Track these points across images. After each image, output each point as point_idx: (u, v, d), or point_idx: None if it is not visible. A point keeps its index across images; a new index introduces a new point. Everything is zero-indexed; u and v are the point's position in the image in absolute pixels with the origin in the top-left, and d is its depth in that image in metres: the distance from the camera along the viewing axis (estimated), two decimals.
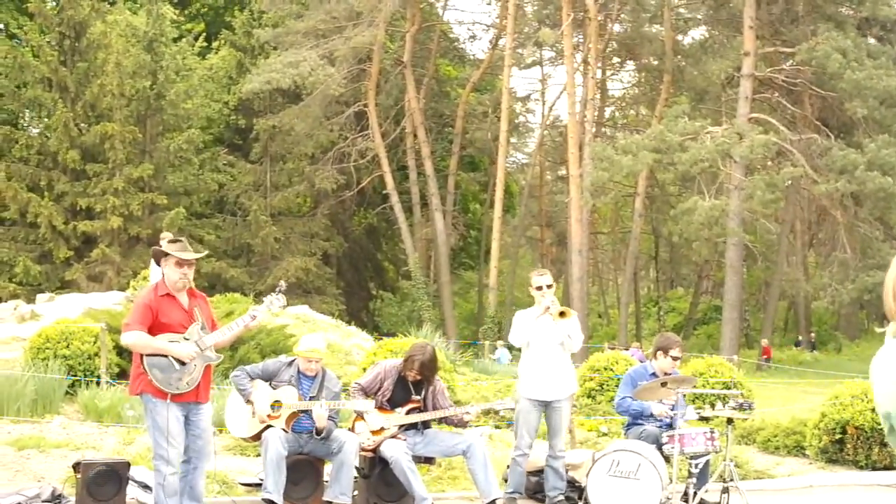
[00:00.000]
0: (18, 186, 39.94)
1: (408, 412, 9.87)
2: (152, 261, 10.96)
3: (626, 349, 30.98)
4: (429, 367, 9.84)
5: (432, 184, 50.09)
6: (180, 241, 8.81)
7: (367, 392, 9.89)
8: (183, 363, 8.35)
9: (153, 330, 8.43)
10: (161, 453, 8.37)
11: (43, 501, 8.55)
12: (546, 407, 10.44)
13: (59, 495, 8.73)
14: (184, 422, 8.57)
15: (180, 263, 8.55)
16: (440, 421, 10.28)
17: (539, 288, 10.43)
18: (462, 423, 10.18)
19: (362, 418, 9.83)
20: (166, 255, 8.62)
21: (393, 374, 9.93)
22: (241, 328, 8.72)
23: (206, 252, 9.89)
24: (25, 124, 47.21)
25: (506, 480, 10.62)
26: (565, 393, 10.52)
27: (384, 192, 50.87)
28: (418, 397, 9.91)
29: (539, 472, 10.72)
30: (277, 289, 8.98)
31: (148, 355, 8.38)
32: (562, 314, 10.15)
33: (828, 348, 51.85)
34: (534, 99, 63.23)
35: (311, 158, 48.64)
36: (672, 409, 10.11)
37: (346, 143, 49.24)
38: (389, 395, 9.85)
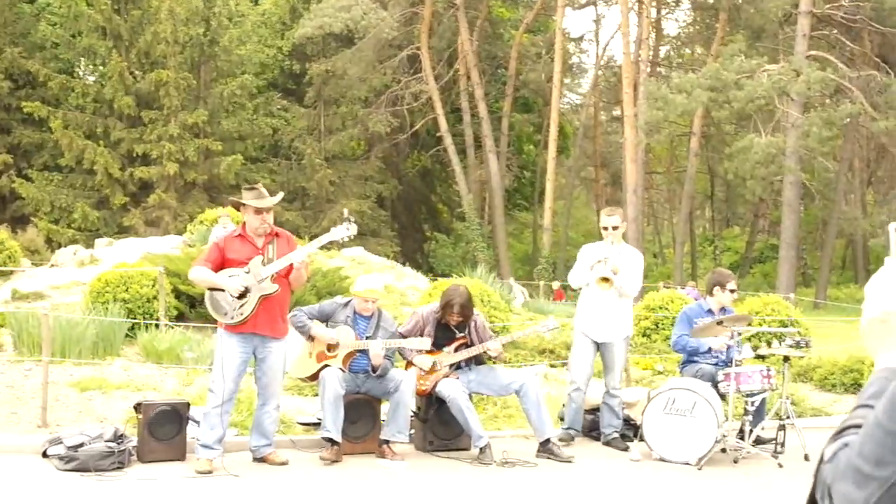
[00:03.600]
0: (75, 134, 40.29)
1: (456, 349, 9.93)
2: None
3: (682, 287, 30.83)
4: (467, 308, 9.88)
5: (486, 125, 49.90)
6: (256, 188, 8.97)
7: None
8: (241, 294, 8.61)
9: (223, 266, 8.73)
10: (210, 385, 8.73)
11: (105, 441, 8.67)
12: (600, 346, 10.50)
13: (122, 435, 8.86)
14: (247, 359, 8.83)
15: (258, 211, 8.74)
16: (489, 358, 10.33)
17: (605, 228, 10.51)
18: (499, 357, 10.17)
19: (412, 364, 9.91)
20: (244, 204, 8.82)
21: (432, 320, 9.96)
22: (295, 259, 8.81)
23: (282, 194, 10.03)
24: (81, 73, 47.50)
25: (562, 419, 10.69)
26: (620, 335, 10.54)
27: (438, 134, 50.80)
28: (462, 335, 9.96)
29: (595, 411, 10.78)
30: (346, 219, 9.04)
31: (208, 289, 8.71)
32: (604, 280, 10.17)
33: None
34: (588, 39, 62.70)
35: (365, 102, 48.61)
36: (728, 347, 10.07)
37: (399, 87, 49.13)
38: (433, 340, 9.90)
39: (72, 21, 42.31)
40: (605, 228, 10.52)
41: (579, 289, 10.89)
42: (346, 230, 8.99)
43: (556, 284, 39.68)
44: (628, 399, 11.10)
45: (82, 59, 46.39)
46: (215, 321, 8.97)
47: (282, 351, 9.04)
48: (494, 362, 10.32)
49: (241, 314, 8.64)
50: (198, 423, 9.11)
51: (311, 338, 9.59)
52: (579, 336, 10.55)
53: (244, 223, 8.99)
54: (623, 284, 10.33)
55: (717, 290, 10.66)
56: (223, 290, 8.69)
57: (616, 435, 10.47)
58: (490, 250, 48.97)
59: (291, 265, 8.82)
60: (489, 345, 10.00)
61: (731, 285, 10.68)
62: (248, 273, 8.70)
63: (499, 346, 10.00)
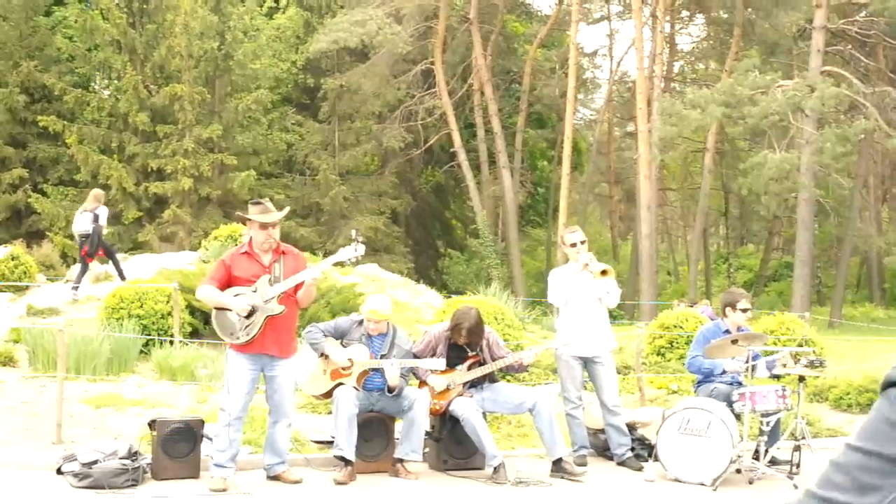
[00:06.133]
0: (90, 149, 40.36)
1: (469, 368, 9.91)
2: None
3: (692, 305, 30.72)
4: (476, 332, 9.85)
5: (500, 141, 49.82)
6: (261, 203, 8.97)
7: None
8: (247, 314, 8.63)
9: (229, 284, 8.74)
10: (223, 404, 8.74)
11: (120, 458, 8.69)
12: (587, 363, 10.44)
13: (136, 452, 8.88)
14: (255, 377, 8.85)
15: (263, 226, 8.75)
16: (503, 374, 10.31)
17: (573, 245, 10.47)
18: (522, 369, 10.19)
19: (426, 384, 9.89)
20: (250, 220, 8.83)
21: (444, 339, 9.95)
22: (304, 279, 8.80)
23: (287, 209, 10.14)
24: (97, 87, 47.61)
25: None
26: (606, 348, 10.51)
27: (451, 149, 50.69)
28: (475, 353, 9.94)
29: (603, 431, 10.72)
30: (354, 239, 9.07)
31: (215, 308, 8.74)
32: (603, 272, 10.17)
33: None
34: (601, 54, 62.70)
35: (379, 117, 48.60)
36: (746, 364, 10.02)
37: (413, 102, 49.12)
38: (446, 360, 9.89)
39: (87, 35, 42.37)
40: (573, 245, 10.46)
41: (558, 309, 10.90)
42: (353, 251, 9.03)
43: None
44: (642, 418, 11.07)
45: (97, 73, 46.49)
46: None
47: (289, 368, 9.05)
48: (512, 378, 10.30)
49: (248, 334, 8.68)
50: (212, 440, 9.13)
51: (324, 355, 9.59)
52: (563, 357, 10.48)
53: (250, 239, 9.01)
54: (611, 286, 10.36)
55: (728, 310, 10.62)
56: (230, 310, 8.72)
57: (630, 454, 10.42)
58: (504, 267, 48.90)
59: (300, 283, 8.83)
60: (526, 353, 10.01)
61: (743, 304, 10.60)
62: (254, 292, 8.73)
63: (532, 357, 10.00)
